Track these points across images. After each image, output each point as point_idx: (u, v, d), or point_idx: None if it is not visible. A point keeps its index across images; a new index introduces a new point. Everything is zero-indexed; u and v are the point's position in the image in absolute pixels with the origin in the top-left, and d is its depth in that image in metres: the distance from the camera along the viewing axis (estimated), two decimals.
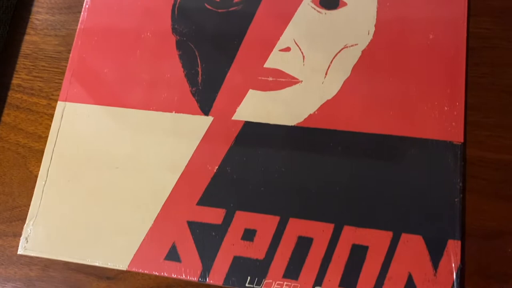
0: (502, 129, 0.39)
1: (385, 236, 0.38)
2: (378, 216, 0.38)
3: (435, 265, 0.37)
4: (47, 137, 0.44)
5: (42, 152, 0.44)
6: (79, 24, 0.47)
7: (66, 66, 0.46)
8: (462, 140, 0.39)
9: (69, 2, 0.49)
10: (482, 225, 0.38)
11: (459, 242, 0.37)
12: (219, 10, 0.45)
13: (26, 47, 0.48)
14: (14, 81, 0.47)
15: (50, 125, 0.45)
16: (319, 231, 0.38)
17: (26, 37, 0.48)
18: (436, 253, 0.37)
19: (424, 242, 0.37)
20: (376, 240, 0.38)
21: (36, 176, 0.43)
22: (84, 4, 0.48)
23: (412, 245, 0.37)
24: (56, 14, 0.48)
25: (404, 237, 0.37)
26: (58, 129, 0.44)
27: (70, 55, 0.46)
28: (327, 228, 0.38)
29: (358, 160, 0.40)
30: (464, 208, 0.38)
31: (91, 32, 0.47)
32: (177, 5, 0.46)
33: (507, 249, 0.37)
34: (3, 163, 0.45)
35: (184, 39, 0.45)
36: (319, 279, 0.37)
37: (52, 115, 0.45)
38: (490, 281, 0.36)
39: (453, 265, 0.36)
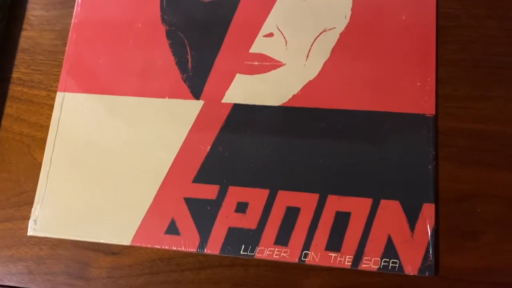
0: (470, 101, 0.43)
1: (366, 203, 0.41)
2: (359, 185, 0.41)
3: (412, 226, 0.40)
4: (48, 126, 0.47)
5: (44, 140, 0.47)
6: (73, 18, 0.50)
7: (63, 59, 0.49)
8: (434, 113, 0.42)
9: None
10: (454, 188, 0.41)
11: (433, 205, 0.40)
12: (206, 0, 0.48)
13: (24, 42, 0.50)
14: (14, 75, 0.50)
15: (50, 115, 0.47)
16: (306, 201, 0.41)
17: (24, 33, 0.51)
18: (412, 216, 0.40)
19: (401, 206, 0.40)
20: (357, 206, 0.41)
21: (41, 163, 0.46)
22: None
23: (391, 210, 0.40)
24: (51, 10, 0.51)
25: (383, 203, 0.41)
26: (59, 118, 0.47)
27: (66, 48, 0.49)
28: (313, 198, 0.41)
29: (340, 135, 0.43)
30: (437, 174, 0.41)
31: (85, 26, 0.49)
32: None
33: (476, 209, 0.40)
34: (8, 152, 0.47)
35: (174, 28, 0.48)
36: (307, 244, 0.41)
37: (52, 105, 0.47)
38: (462, 239, 0.40)
39: (428, 226, 0.40)
